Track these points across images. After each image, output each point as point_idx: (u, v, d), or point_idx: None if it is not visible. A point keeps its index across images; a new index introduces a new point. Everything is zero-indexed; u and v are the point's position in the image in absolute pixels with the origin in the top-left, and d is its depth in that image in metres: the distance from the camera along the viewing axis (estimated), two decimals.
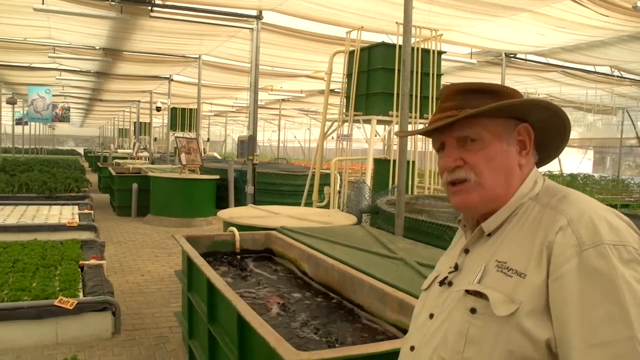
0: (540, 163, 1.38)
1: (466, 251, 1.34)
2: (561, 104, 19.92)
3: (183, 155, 11.79)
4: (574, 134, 28.06)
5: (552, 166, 24.95)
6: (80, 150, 48.07)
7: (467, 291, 1.21)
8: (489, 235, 1.29)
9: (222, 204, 11.00)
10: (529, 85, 17.03)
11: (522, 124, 1.30)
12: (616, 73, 14.49)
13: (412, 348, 1.35)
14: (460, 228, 1.46)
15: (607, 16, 8.77)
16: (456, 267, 1.33)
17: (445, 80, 10.83)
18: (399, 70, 7.36)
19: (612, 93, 17.47)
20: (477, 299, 1.19)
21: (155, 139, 27.11)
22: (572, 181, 16.27)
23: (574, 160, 28.53)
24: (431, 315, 1.33)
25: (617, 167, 24.00)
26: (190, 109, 20.67)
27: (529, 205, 1.26)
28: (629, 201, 13.40)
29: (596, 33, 9.93)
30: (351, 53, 8.36)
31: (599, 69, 14.14)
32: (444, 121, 1.27)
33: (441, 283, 1.35)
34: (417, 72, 7.88)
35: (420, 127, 7.63)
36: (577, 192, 1.24)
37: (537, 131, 1.31)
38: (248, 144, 9.71)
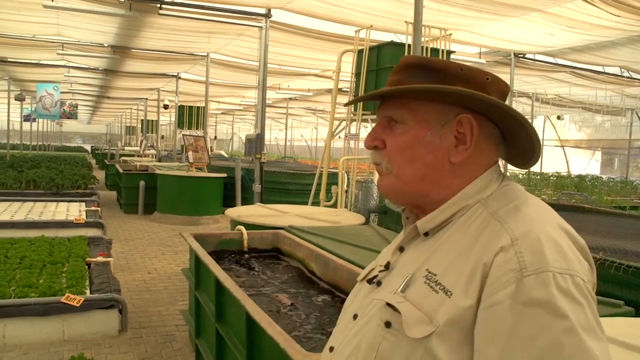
0: (515, 162, 1.19)
1: (401, 249, 1.19)
2: (570, 104, 19.88)
3: (190, 153, 11.79)
4: (582, 135, 27.97)
5: (560, 167, 24.87)
6: (88, 147, 48.26)
7: (387, 303, 1.06)
8: (426, 234, 1.13)
9: (229, 202, 10.99)
10: (537, 86, 16.97)
11: (464, 114, 1.10)
12: (626, 74, 14.41)
13: (331, 349, 1.21)
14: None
15: (618, 16, 8.70)
16: (387, 266, 1.18)
17: None
18: None
19: (621, 94, 17.38)
20: (394, 312, 1.04)
21: (162, 137, 27.13)
22: (580, 182, 16.20)
23: (581, 161, 28.42)
24: (355, 316, 1.18)
25: (625, 168, 23.90)
26: (198, 107, 20.67)
27: (476, 209, 1.09)
28: (638, 203, 13.33)
29: (606, 33, 9.86)
30: (360, 52, 8.32)
31: (609, 70, 14.05)
32: (365, 95, 1.20)
33: (370, 281, 1.20)
34: None
35: None
36: (536, 201, 1.08)
37: (498, 122, 1.12)
38: (256, 143, 9.69)
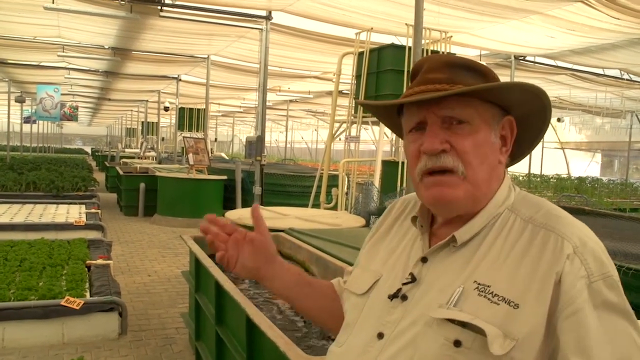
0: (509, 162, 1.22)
1: (423, 259, 1.14)
2: (570, 107, 19.88)
3: (190, 156, 11.78)
4: (582, 137, 27.97)
5: (560, 169, 24.85)
6: (88, 149, 48.23)
7: (450, 321, 1.01)
8: (457, 245, 1.10)
9: (229, 204, 10.99)
10: None
11: (508, 117, 1.13)
12: (626, 76, 14.41)
13: None
14: (412, 224, 1.24)
15: (618, 19, 8.71)
16: (413, 279, 1.12)
17: None
18: (408, 71, 7.33)
19: (621, 96, 17.38)
20: (463, 329, 0.99)
21: (162, 139, 27.14)
22: (580, 184, 16.19)
23: (581, 163, 28.41)
24: (380, 335, 1.11)
25: (625, 170, 23.86)
26: (198, 109, 20.69)
27: (506, 216, 1.09)
28: (638, 205, 13.33)
29: (606, 36, 9.86)
30: (360, 54, 8.32)
31: (609, 72, 14.06)
32: (436, 94, 1.06)
33: (392, 296, 1.13)
34: None
35: None
36: (554, 205, 1.10)
37: (523, 126, 1.17)
38: (256, 145, 9.69)
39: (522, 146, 1.21)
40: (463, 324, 1.00)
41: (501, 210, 1.11)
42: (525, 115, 1.15)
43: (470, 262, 1.07)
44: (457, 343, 1.00)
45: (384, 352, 1.09)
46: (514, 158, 1.22)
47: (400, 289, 1.13)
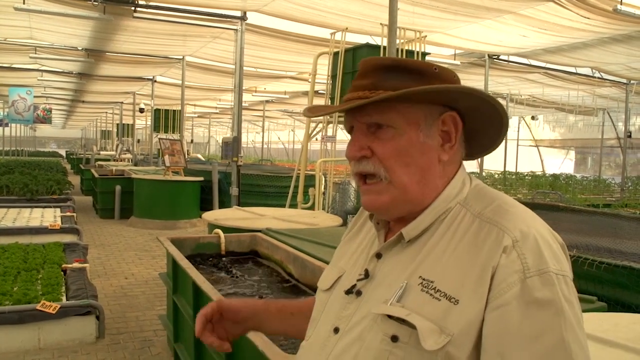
0: (473, 155, 1.21)
1: (378, 255, 1.15)
2: (543, 105, 20.15)
3: (166, 157, 11.70)
4: (556, 135, 28.38)
5: (535, 166, 25.17)
6: (62, 152, 47.64)
7: (389, 316, 1.02)
8: (408, 241, 1.11)
9: (206, 206, 10.94)
10: (511, 87, 17.18)
11: (448, 112, 1.10)
12: (597, 74, 14.66)
13: None
14: (362, 220, 1.30)
15: (588, 18, 8.86)
16: (367, 274, 1.14)
17: None
18: None
19: (593, 94, 17.67)
20: (401, 325, 1.01)
21: (138, 141, 26.88)
22: (555, 181, 16.43)
23: (556, 160, 28.83)
24: (336, 330, 1.13)
25: (598, 167, 24.25)
26: (174, 111, 20.53)
27: (457, 211, 1.09)
28: (611, 201, 13.58)
29: (578, 35, 10.03)
30: (335, 54, 8.34)
31: (581, 71, 14.29)
32: (351, 104, 1.07)
33: (348, 292, 1.15)
34: None
35: None
36: (510, 199, 1.09)
37: (468, 119, 1.13)
38: (232, 146, 9.66)
39: (481, 138, 1.19)
40: (402, 320, 1.01)
41: (452, 205, 1.10)
42: (474, 108, 1.11)
43: (417, 258, 1.07)
44: (395, 338, 1.01)
45: (337, 346, 1.11)
46: (474, 153, 1.21)
47: (355, 284, 1.15)
